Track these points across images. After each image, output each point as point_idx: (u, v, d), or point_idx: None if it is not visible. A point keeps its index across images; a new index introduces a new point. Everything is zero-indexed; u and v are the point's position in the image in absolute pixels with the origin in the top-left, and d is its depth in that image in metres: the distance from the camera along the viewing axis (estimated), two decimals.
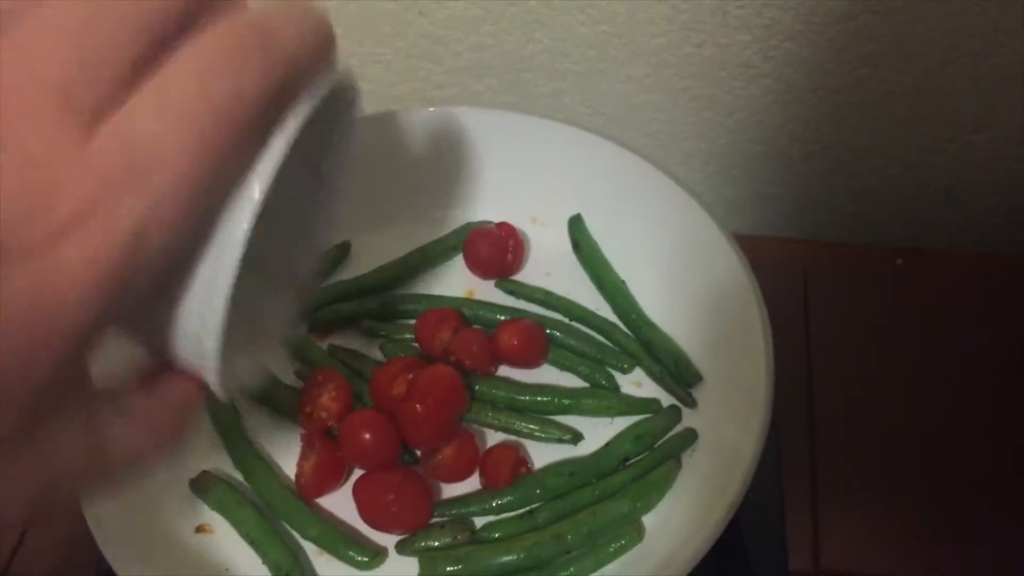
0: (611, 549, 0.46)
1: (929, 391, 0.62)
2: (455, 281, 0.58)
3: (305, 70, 0.23)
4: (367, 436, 0.48)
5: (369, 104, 0.56)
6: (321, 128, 0.26)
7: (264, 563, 0.48)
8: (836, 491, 0.58)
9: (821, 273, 0.69)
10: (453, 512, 0.49)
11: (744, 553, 0.53)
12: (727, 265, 0.51)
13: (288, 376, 0.55)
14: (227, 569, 0.48)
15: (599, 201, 0.57)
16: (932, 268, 0.70)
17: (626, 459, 0.50)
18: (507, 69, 0.74)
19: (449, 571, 0.46)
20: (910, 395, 0.61)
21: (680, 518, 0.47)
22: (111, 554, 0.43)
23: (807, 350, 0.65)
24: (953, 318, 0.66)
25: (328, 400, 0.50)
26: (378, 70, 0.76)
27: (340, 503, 0.50)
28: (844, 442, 0.59)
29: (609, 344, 0.54)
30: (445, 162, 0.59)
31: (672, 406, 0.51)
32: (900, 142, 0.73)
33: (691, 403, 0.51)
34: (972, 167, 0.73)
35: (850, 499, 0.57)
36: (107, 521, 0.44)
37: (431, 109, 0.59)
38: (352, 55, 0.74)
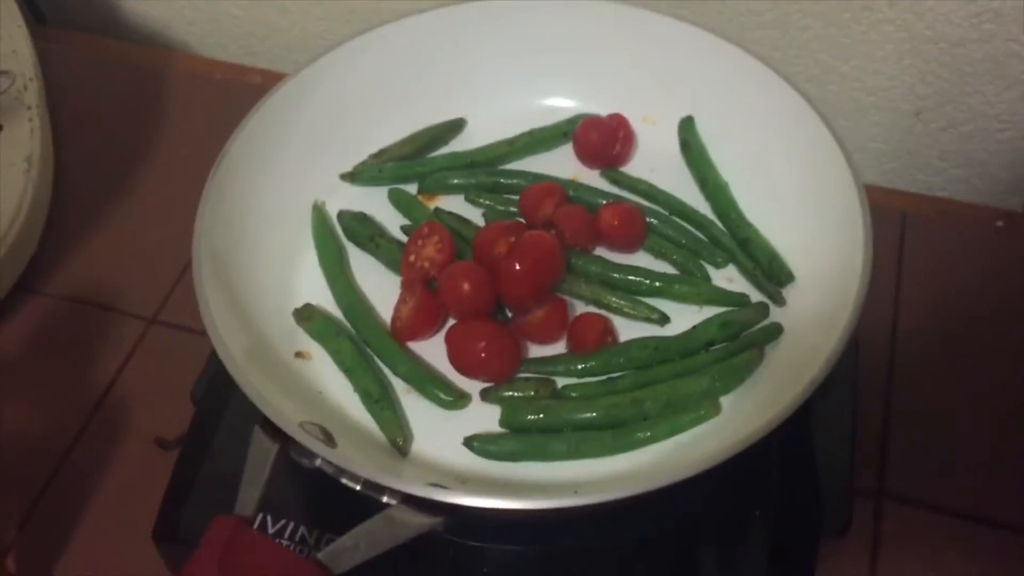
0: (687, 419, 0.47)
1: (1013, 342, 0.61)
2: (562, 166, 0.59)
3: None
4: (466, 286, 0.50)
5: None
6: None
7: (355, 390, 0.50)
8: (908, 417, 0.58)
9: (919, 221, 0.69)
10: (538, 370, 0.51)
11: (813, 462, 0.54)
12: (836, 175, 0.51)
13: (394, 229, 0.57)
14: (320, 392, 0.51)
15: (713, 104, 0.58)
16: None
17: (710, 344, 0.51)
18: None
19: (530, 419, 0.48)
20: (993, 343, 0.61)
21: (755, 403, 0.48)
22: (225, 357, 0.45)
23: (896, 290, 0.65)
24: None
25: (432, 251, 0.52)
26: None
27: (430, 350, 0.52)
28: (922, 373, 0.60)
29: (705, 239, 0.55)
30: (564, 52, 0.61)
31: (761, 302, 0.52)
32: (1016, 105, 0.72)
33: (780, 301, 0.52)
34: None
35: (921, 427, 0.58)
36: (226, 335, 0.46)
37: None
38: None
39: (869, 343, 0.59)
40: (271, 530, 0.49)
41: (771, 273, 0.53)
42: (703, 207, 0.57)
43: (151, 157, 0.75)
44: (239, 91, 0.79)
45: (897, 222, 0.69)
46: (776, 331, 0.50)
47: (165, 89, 0.80)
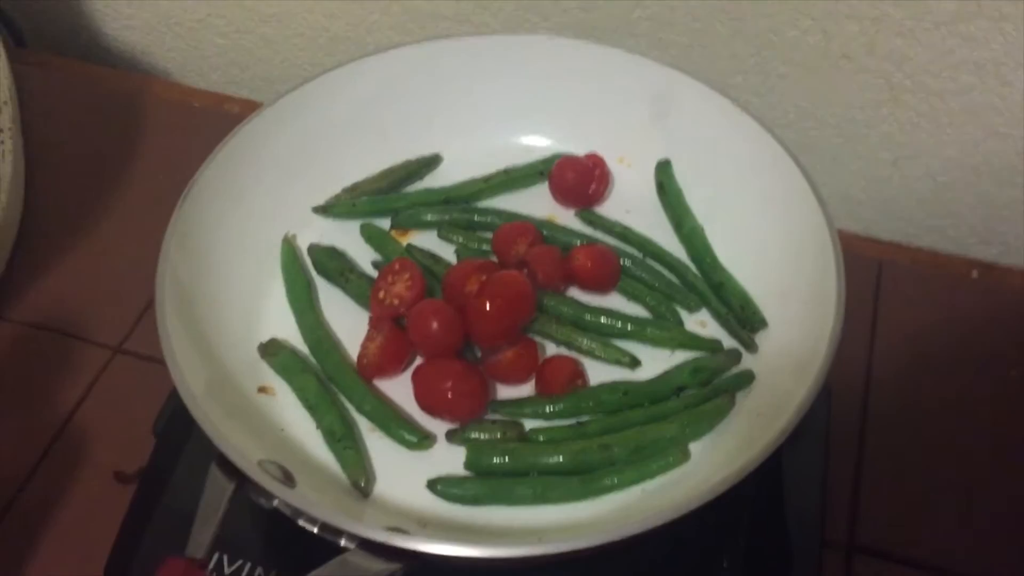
0: (655, 466, 0.47)
1: (988, 393, 0.61)
2: (537, 205, 0.59)
3: None
4: (435, 324, 0.49)
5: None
6: None
7: (319, 428, 0.49)
8: (880, 467, 0.57)
9: (895, 270, 0.69)
10: (506, 412, 0.50)
11: (783, 512, 0.54)
12: (810, 220, 0.51)
13: (365, 264, 0.57)
14: (283, 429, 0.50)
15: (689, 148, 0.58)
16: (1007, 284, 0.70)
17: (681, 389, 0.50)
18: (611, 32, 0.76)
19: (495, 462, 0.47)
20: (968, 393, 0.61)
21: (724, 451, 0.47)
22: (183, 392, 0.44)
23: (871, 337, 0.65)
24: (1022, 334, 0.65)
25: (402, 288, 0.51)
26: (486, 17, 0.77)
27: (397, 390, 0.51)
28: (895, 423, 0.59)
29: (679, 282, 0.55)
30: (542, 91, 0.61)
31: (733, 348, 0.52)
32: (993, 158, 0.72)
33: (753, 347, 0.52)
34: None
35: (893, 477, 0.57)
36: (186, 368, 0.45)
37: (535, 36, 0.60)
38: None
39: (842, 391, 0.58)
40: (227, 571, 0.47)
41: (744, 319, 0.52)
42: (678, 250, 0.57)
43: (124, 184, 0.74)
44: (217, 120, 0.78)
45: (873, 270, 0.69)
46: (748, 378, 0.50)
47: (142, 115, 0.79)
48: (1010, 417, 0.60)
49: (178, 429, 0.53)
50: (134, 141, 0.77)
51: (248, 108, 0.79)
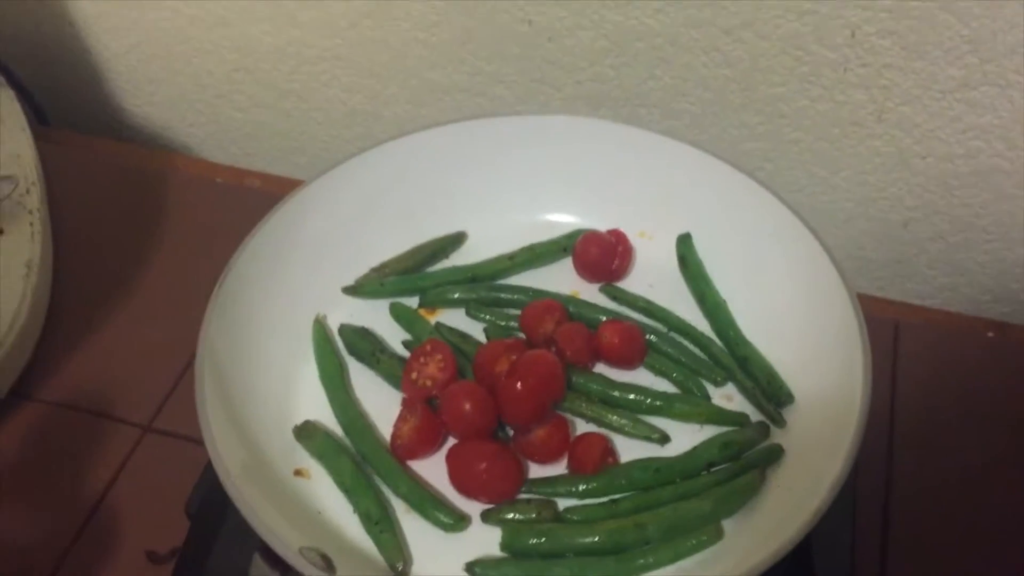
0: (690, 544, 0.47)
1: (1008, 454, 0.62)
2: (561, 281, 0.60)
3: None
4: (467, 406, 0.50)
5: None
6: None
7: (355, 511, 0.50)
8: (907, 543, 0.58)
9: (911, 331, 0.70)
10: (539, 491, 0.51)
11: None
12: (832, 292, 0.52)
13: (395, 343, 0.57)
14: (320, 512, 0.50)
15: (708, 220, 0.59)
16: (1022, 343, 0.71)
17: (711, 465, 0.51)
18: (624, 103, 0.78)
19: (532, 543, 0.48)
20: (990, 452, 0.62)
21: (757, 528, 0.48)
22: (223, 475, 0.45)
23: (891, 399, 0.65)
24: None
25: (435, 369, 0.52)
26: (500, 90, 0.79)
27: (430, 470, 0.52)
28: (920, 499, 0.60)
29: (704, 357, 0.56)
30: (563, 169, 0.62)
31: (761, 422, 0.53)
32: (1002, 219, 0.74)
33: (780, 422, 0.52)
34: None
35: (921, 554, 0.57)
36: (224, 450, 0.46)
37: (557, 117, 0.62)
38: (477, 73, 0.78)
39: (865, 456, 0.59)
40: None
41: (770, 393, 0.53)
42: (701, 323, 0.58)
43: (149, 260, 0.75)
44: (239, 195, 0.80)
45: (889, 331, 0.70)
46: (777, 452, 0.51)
47: (165, 192, 0.81)
48: None
49: (213, 510, 0.54)
50: (159, 217, 0.78)
51: (269, 182, 0.82)
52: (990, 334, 0.72)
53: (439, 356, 0.52)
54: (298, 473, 0.52)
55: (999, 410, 0.65)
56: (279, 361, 0.56)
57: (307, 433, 0.52)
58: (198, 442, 0.47)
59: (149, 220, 0.78)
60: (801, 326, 0.55)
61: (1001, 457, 0.62)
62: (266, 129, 0.88)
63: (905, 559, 0.57)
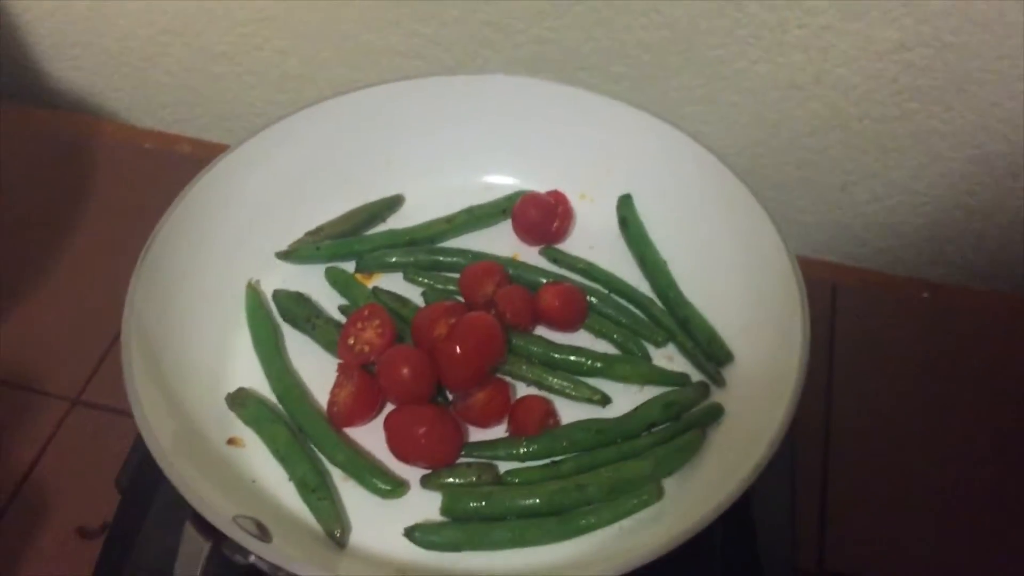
0: (631, 504, 0.47)
1: (943, 413, 0.63)
2: (501, 244, 0.59)
3: None
4: (405, 371, 0.49)
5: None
6: None
7: (291, 479, 0.49)
8: (846, 497, 0.58)
9: (848, 292, 0.71)
10: (480, 455, 0.50)
11: (753, 545, 0.54)
12: (772, 254, 0.52)
13: (331, 309, 0.56)
14: (254, 481, 0.49)
15: (649, 182, 0.59)
16: (957, 304, 0.72)
17: (652, 425, 0.51)
18: (563, 65, 0.76)
19: (472, 506, 0.47)
20: (925, 416, 0.63)
21: (698, 486, 0.48)
22: (153, 448, 0.44)
23: (830, 362, 0.66)
24: (974, 352, 0.67)
25: (372, 334, 0.51)
26: (437, 51, 0.78)
27: (367, 437, 0.51)
28: (857, 450, 0.61)
29: (645, 318, 0.56)
30: (503, 130, 0.61)
31: (701, 381, 0.53)
32: (937, 181, 0.74)
33: (720, 381, 0.52)
34: (1005, 212, 0.74)
35: (859, 506, 0.58)
36: (154, 421, 0.45)
37: (495, 76, 0.61)
38: (413, 35, 0.76)
39: (804, 415, 0.59)
40: None
41: (710, 353, 0.53)
42: (643, 285, 0.57)
43: (76, 229, 0.73)
44: (169, 160, 0.78)
45: (827, 292, 0.70)
46: (717, 411, 0.51)
47: (92, 158, 0.78)
48: (972, 431, 0.62)
49: (144, 483, 0.53)
50: (86, 185, 0.76)
51: (200, 148, 0.79)
52: (925, 294, 0.73)
53: (377, 321, 0.51)
54: (232, 442, 0.50)
55: (933, 366, 0.66)
56: (211, 329, 0.54)
57: (240, 401, 0.51)
58: (129, 415, 0.45)
59: (76, 188, 0.75)
60: (741, 287, 0.54)
61: (935, 410, 0.63)
62: (197, 94, 0.86)
63: (843, 510, 0.58)
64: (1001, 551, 0.56)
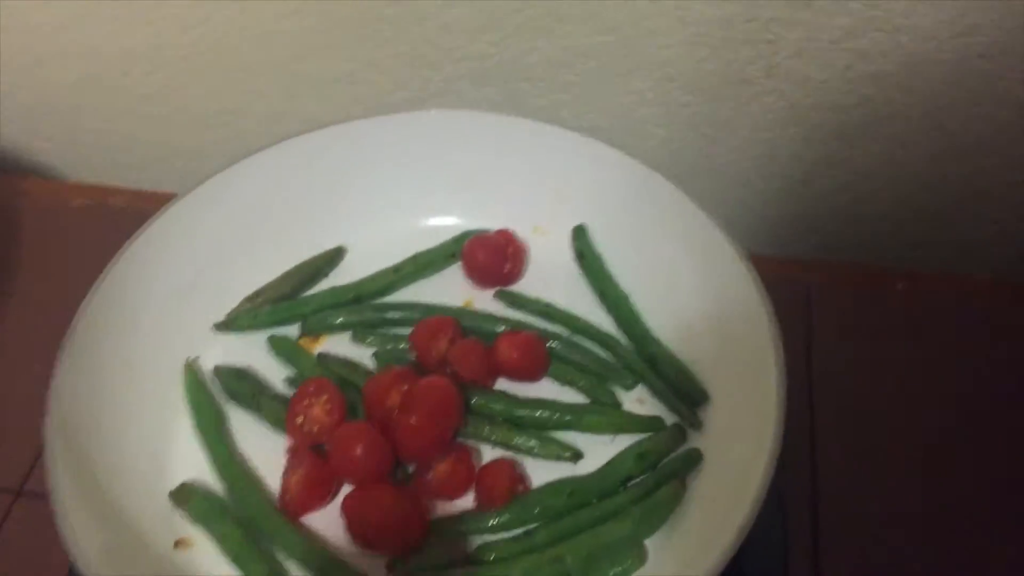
0: (612, 574, 0.44)
1: (928, 412, 0.60)
2: (452, 290, 0.56)
3: None
4: (358, 450, 0.46)
5: (364, 110, 0.54)
6: None
7: None
8: (836, 530, 0.56)
9: (821, 288, 0.68)
10: (447, 533, 0.47)
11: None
12: (737, 280, 0.49)
13: (277, 382, 0.53)
14: None
15: (604, 212, 0.56)
16: (933, 292, 0.69)
17: (628, 479, 0.48)
18: (507, 78, 0.73)
19: None
20: (910, 418, 0.60)
21: (684, 543, 0.45)
22: (82, 563, 0.40)
23: (808, 370, 0.63)
24: (953, 343, 0.65)
25: (320, 411, 0.48)
26: (374, 75, 0.74)
27: (327, 520, 0.48)
28: (842, 456, 0.58)
29: (611, 359, 0.52)
30: (444, 168, 0.58)
31: (676, 424, 0.50)
32: (901, 166, 0.72)
33: (696, 423, 0.49)
34: (972, 195, 0.72)
35: (850, 536, 0.56)
36: (81, 533, 0.41)
37: (430, 112, 0.57)
38: (348, 60, 0.73)
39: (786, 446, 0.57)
40: None
41: (683, 393, 0.50)
42: (606, 322, 0.54)
43: (2, 301, 0.69)
44: (102, 217, 0.74)
45: (801, 297, 0.68)
46: (696, 458, 0.48)
47: (17, 222, 0.73)
48: (957, 427, 0.60)
49: None
50: (8, 253, 0.71)
51: (137, 199, 0.75)
52: (900, 286, 0.70)
53: (324, 396, 0.48)
54: (179, 544, 0.47)
55: (913, 359, 0.63)
56: (147, 416, 0.51)
57: (184, 497, 0.47)
58: None
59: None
60: (708, 317, 0.52)
61: (923, 406, 0.60)
62: (128, 139, 0.82)
63: (835, 548, 0.55)
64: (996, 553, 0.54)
